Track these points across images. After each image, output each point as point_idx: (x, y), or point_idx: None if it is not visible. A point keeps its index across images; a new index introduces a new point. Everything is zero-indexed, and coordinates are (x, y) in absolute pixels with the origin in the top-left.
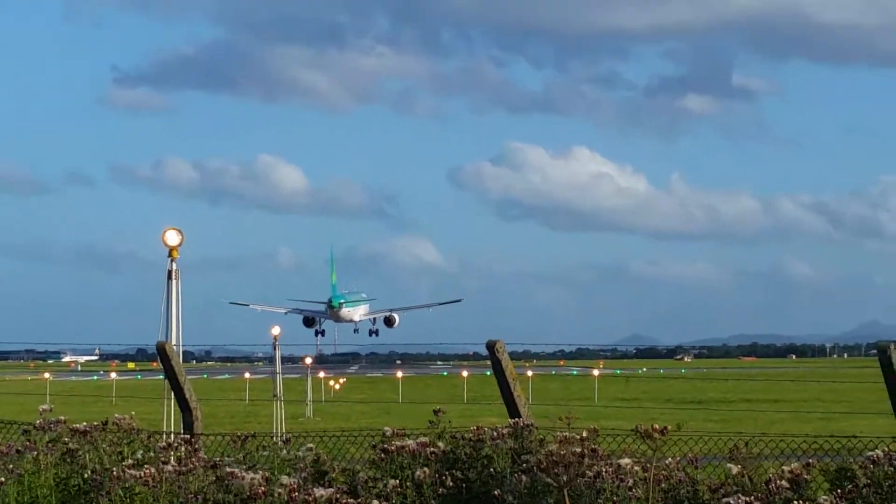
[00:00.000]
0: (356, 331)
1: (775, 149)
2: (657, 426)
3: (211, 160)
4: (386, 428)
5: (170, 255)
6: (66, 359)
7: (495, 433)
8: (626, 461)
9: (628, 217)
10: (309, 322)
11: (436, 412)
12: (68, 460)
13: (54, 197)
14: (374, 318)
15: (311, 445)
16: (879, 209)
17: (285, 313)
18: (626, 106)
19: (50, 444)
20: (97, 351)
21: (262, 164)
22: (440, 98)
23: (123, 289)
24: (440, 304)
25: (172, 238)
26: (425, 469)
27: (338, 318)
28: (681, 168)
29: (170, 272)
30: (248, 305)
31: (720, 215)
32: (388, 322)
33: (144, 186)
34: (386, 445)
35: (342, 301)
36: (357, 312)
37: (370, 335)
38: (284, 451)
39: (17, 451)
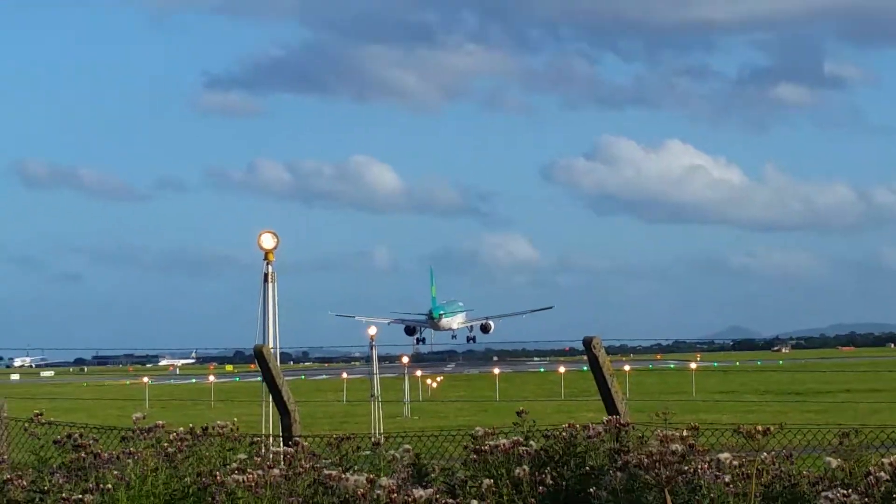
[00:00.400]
0: (454, 337)
1: (869, 137)
2: (759, 427)
3: (303, 162)
4: (477, 428)
5: (265, 258)
6: (164, 362)
7: (591, 431)
8: (725, 456)
9: (723, 209)
10: (410, 331)
11: (519, 413)
12: (170, 466)
13: (148, 203)
14: (472, 326)
15: (408, 446)
16: None
17: (388, 324)
18: (717, 98)
19: (152, 450)
20: (194, 354)
21: (355, 164)
22: (530, 94)
23: (219, 293)
24: (532, 311)
25: (268, 241)
26: (524, 468)
27: (437, 328)
28: (774, 158)
29: (266, 275)
30: (353, 317)
31: (815, 205)
32: (485, 329)
33: (238, 190)
34: (478, 446)
35: (442, 312)
36: (455, 321)
37: (468, 341)
38: (382, 452)
39: (120, 457)
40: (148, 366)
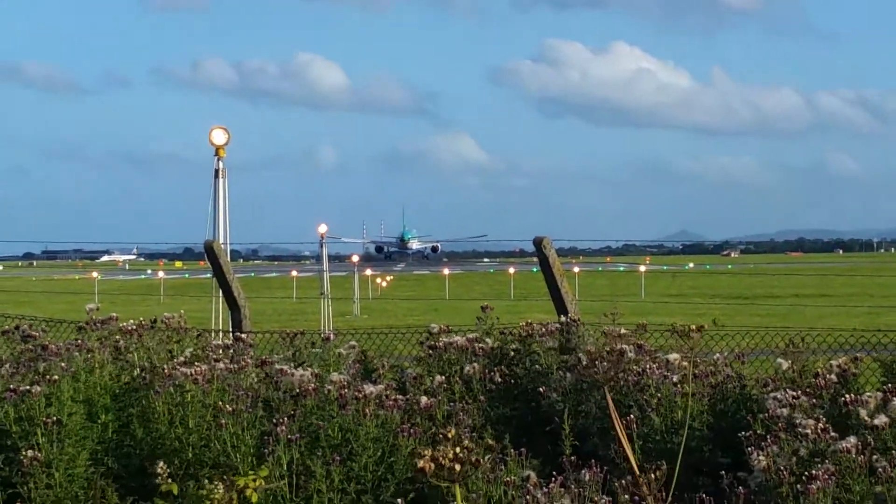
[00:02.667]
0: (410, 255)
1: (817, 42)
2: (694, 325)
3: (249, 59)
4: (432, 325)
5: (216, 154)
6: (106, 258)
7: (544, 329)
8: (674, 356)
9: (670, 113)
10: (379, 249)
11: (483, 308)
12: (118, 358)
13: (93, 98)
14: (425, 247)
15: (354, 343)
16: None
17: (364, 244)
18: (665, 1)
19: (101, 342)
20: (135, 250)
21: (301, 62)
22: None
23: (167, 189)
24: (471, 238)
25: (219, 137)
26: (474, 365)
27: (404, 248)
28: (721, 63)
29: (217, 171)
30: (340, 239)
31: (763, 111)
32: (434, 250)
33: (183, 87)
34: (433, 342)
35: (410, 237)
36: (415, 243)
37: (423, 258)
38: (332, 348)
39: (69, 349)
40: (98, 261)
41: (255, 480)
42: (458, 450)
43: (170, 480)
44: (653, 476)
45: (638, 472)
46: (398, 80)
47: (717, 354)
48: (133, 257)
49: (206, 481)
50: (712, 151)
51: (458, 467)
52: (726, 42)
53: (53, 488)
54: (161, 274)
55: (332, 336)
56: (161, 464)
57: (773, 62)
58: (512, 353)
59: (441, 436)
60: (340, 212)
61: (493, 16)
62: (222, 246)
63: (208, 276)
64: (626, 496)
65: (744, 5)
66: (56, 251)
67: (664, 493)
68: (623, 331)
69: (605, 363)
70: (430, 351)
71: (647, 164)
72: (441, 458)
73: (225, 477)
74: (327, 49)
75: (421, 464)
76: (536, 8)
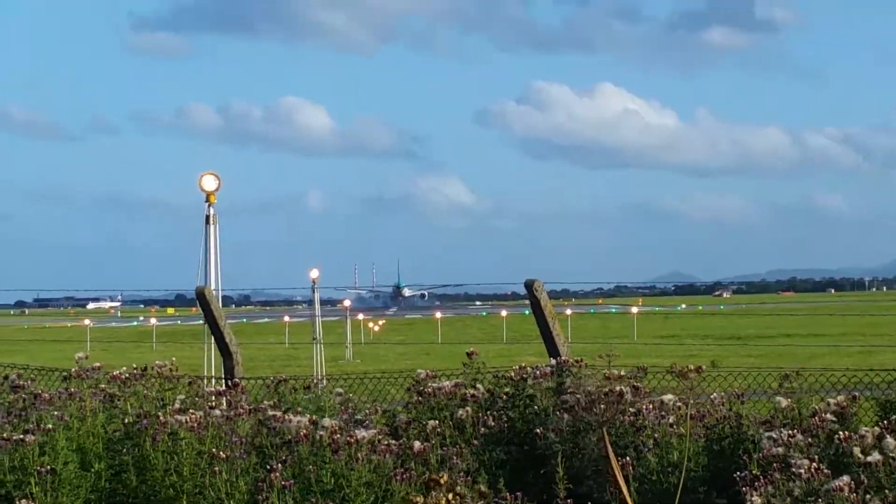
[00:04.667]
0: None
1: (801, 81)
2: (692, 366)
3: (234, 104)
4: (419, 370)
5: (207, 200)
6: (92, 305)
7: (538, 372)
8: (668, 397)
9: (657, 153)
10: (377, 297)
11: (469, 354)
12: (109, 407)
13: (79, 144)
14: (414, 295)
15: (340, 390)
16: None
17: (366, 293)
18: (648, 41)
19: (92, 391)
20: (119, 297)
21: (286, 106)
22: (462, 36)
23: (156, 235)
24: (455, 285)
25: (209, 183)
26: (467, 409)
27: (398, 296)
28: (706, 103)
29: (207, 217)
30: (345, 290)
31: (749, 149)
32: (422, 297)
33: (168, 132)
34: (421, 388)
35: (405, 285)
36: (408, 291)
37: (415, 304)
38: (325, 394)
39: (63, 397)
40: (88, 307)
41: None
42: (450, 496)
43: None
44: None
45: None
46: (384, 123)
47: (714, 394)
48: (118, 304)
49: None
50: (700, 191)
51: None
52: (710, 81)
53: None
54: (153, 321)
55: (322, 382)
56: None
57: (757, 101)
58: (504, 397)
59: (433, 482)
60: (330, 255)
61: (477, 58)
62: (214, 292)
63: (200, 322)
64: None
65: (727, 44)
66: (48, 299)
67: None
68: (622, 373)
69: (603, 405)
70: (419, 397)
71: (636, 205)
72: None
73: None
74: (312, 93)
75: None
76: (521, 50)
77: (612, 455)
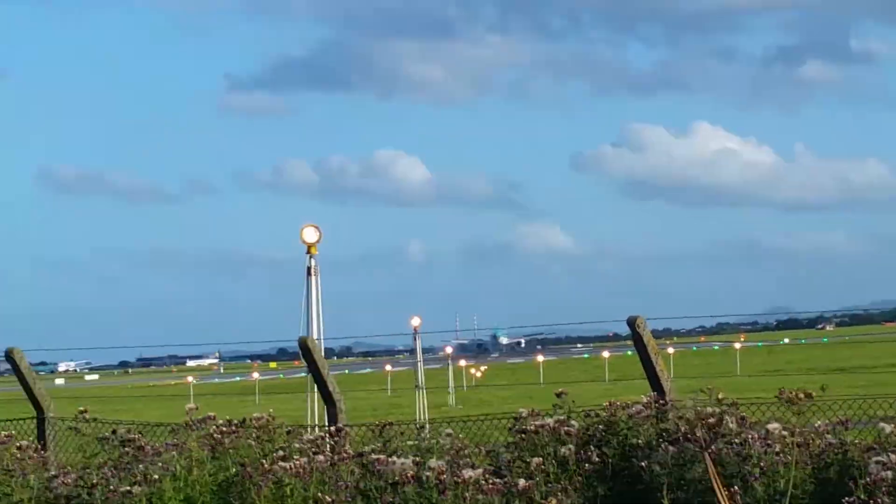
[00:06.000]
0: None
1: None
2: (802, 391)
3: (330, 159)
4: (521, 409)
5: (308, 251)
6: (193, 363)
7: (632, 409)
8: (774, 426)
9: (756, 190)
10: (479, 346)
11: (558, 394)
12: (216, 457)
13: (178, 205)
14: (511, 343)
15: (450, 431)
16: None
17: (467, 342)
18: (744, 79)
19: (201, 440)
20: (217, 354)
21: (382, 158)
22: (556, 84)
23: (257, 292)
24: (542, 336)
25: (310, 235)
26: (570, 446)
27: (497, 344)
28: (804, 138)
29: (309, 269)
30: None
31: (849, 183)
32: (518, 345)
33: (266, 190)
34: (523, 426)
35: (502, 334)
36: (505, 339)
37: (514, 350)
38: (428, 437)
39: (169, 448)
40: (189, 364)
41: None
42: None
43: None
44: None
45: None
46: (480, 172)
47: (819, 422)
48: (215, 361)
49: None
50: (801, 226)
51: None
52: (807, 116)
53: None
54: (255, 375)
55: (427, 425)
56: None
57: (855, 134)
58: (600, 434)
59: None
60: (430, 305)
61: (572, 103)
62: (316, 342)
63: (302, 374)
64: None
65: (822, 78)
66: (150, 358)
67: None
68: (722, 400)
69: (705, 429)
70: (521, 435)
71: (736, 243)
72: None
73: None
74: (406, 145)
75: None
76: (615, 94)
77: (715, 479)
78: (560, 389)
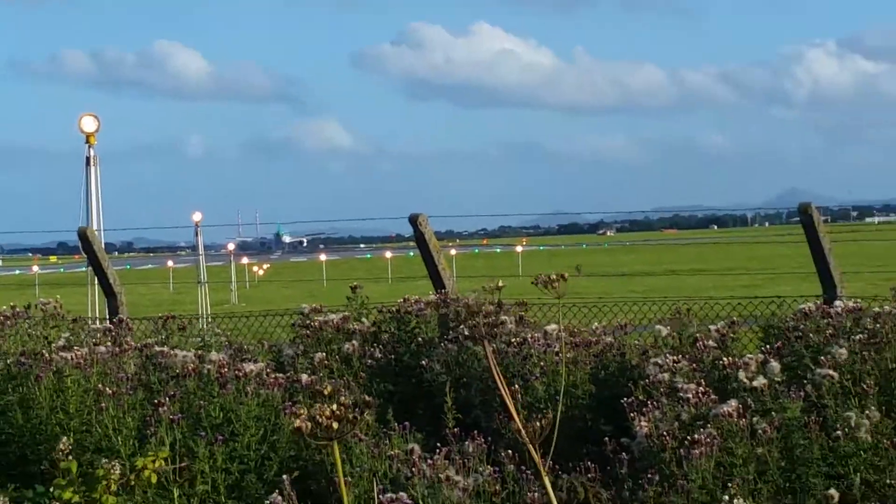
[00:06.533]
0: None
1: (676, 19)
2: (555, 274)
3: (107, 49)
4: (304, 305)
5: (87, 141)
6: None
7: (421, 304)
8: (552, 326)
9: (536, 92)
10: (262, 244)
11: (353, 288)
12: None
13: None
14: (293, 242)
15: (220, 329)
16: (784, 77)
17: (251, 240)
18: None
19: None
20: None
21: (161, 50)
22: None
23: (34, 184)
24: (325, 236)
25: (89, 124)
26: (353, 342)
27: (279, 243)
28: (583, 41)
29: (88, 159)
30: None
31: (627, 88)
32: (300, 243)
33: (42, 80)
34: (308, 321)
35: (284, 233)
36: (288, 238)
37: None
38: (211, 330)
39: None
40: None
41: (154, 461)
42: (335, 407)
43: (70, 458)
44: (537, 424)
45: (519, 423)
46: (258, 66)
47: (596, 324)
48: None
49: (104, 460)
50: (581, 130)
51: (335, 425)
52: (586, 19)
53: None
54: (35, 268)
55: (208, 319)
56: (64, 440)
57: (633, 39)
58: (391, 330)
59: (317, 393)
60: (211, 201)
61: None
62: (97, 233)
63: (83, 269)
64: (512, 465)
65: None
66: None
67: (545, 457)
68: (499, 300)
69: (484, 323)
70: (305, 331)
71: (518, 145)
72: (318, 416)
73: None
74: (184, 37)
75: (297, 423)
76: None
77: (495, 369)
78: (354, 284)
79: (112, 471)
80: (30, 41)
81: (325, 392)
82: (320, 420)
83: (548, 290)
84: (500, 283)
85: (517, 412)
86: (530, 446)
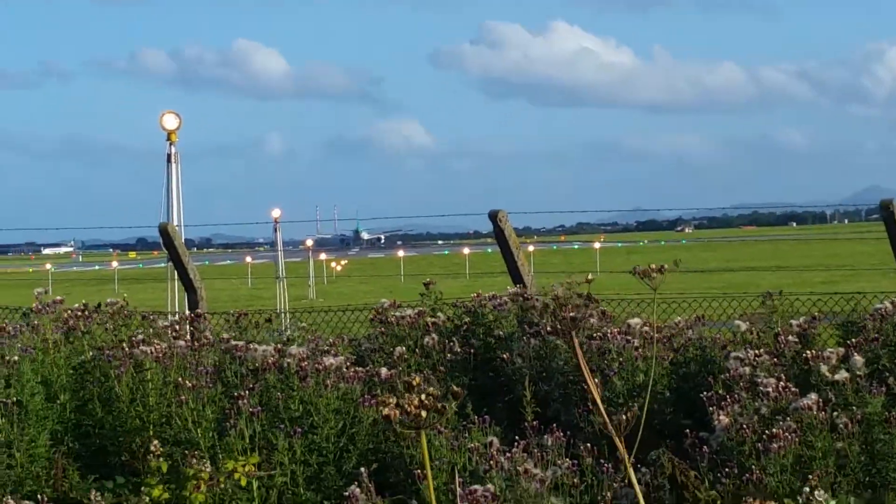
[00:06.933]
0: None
1: (754, 17)
2: (654, 265)
3: (187, 48)
4: (383, 300)
5: (168, 138)
6: (50, 251)
7: (498, 300)
8: (635, 321)
9: (614, 91)
10: (342, 240)
11: (426, 284)
12: (72, 340)
13: (32, 91)
14: (371, 238)
15: (304, 324)
16: (863, 75)
17: (330, 237)
18: None
19: (55, 325)
20: (71, 243)
21: (240, 49)
22: None
23: (115, 179)
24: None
25: (170, 122)
26: (433, 336)
27: (358, 239)
28: (662, 41)
29: (169, 156)
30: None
31: (706, 86)
32: (378, 239)
33: (122, 78)
34: (385, 317)
35: (364, 229)
36: (366, 234)
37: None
38: (288, 327)
39: (25, 330)
40: (46, 252)
41: (244, 465)
42: (423, 397)
43: (161, 459)
44: (623, 418)
45: (606, 415)
46: (338, 65)
47: (678, 318)
48: (70, 250)
49: (194, 461)
50: (660, 128)
51: (423, 414)
52: (663, 19)
53: (15, 468)
54: (114, 264)
55: (268, 318)
56: (155, 441)
57: (710, 37)
58: (467, 325)
59: (407, 384)
60: (291, 197)
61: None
62: (177, 229)
63: (162, 265)
64: (590, 459)
65: None
66: (7, 244)
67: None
68: (585, 292)
69: (568, 318)
70: (383, 327)
71: (596, 143)
72: (407, 405)
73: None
74: (265, 36)
75: (386, 411)
76: None
77: (583, 362)
78: (428, 280)
79: (202, 471)
80: (111, 40)
81: (414, 382)
82: (409, 409)
83: (644, 281)
84: (590, 276)
85: (595, 405)
86: (616, 439)
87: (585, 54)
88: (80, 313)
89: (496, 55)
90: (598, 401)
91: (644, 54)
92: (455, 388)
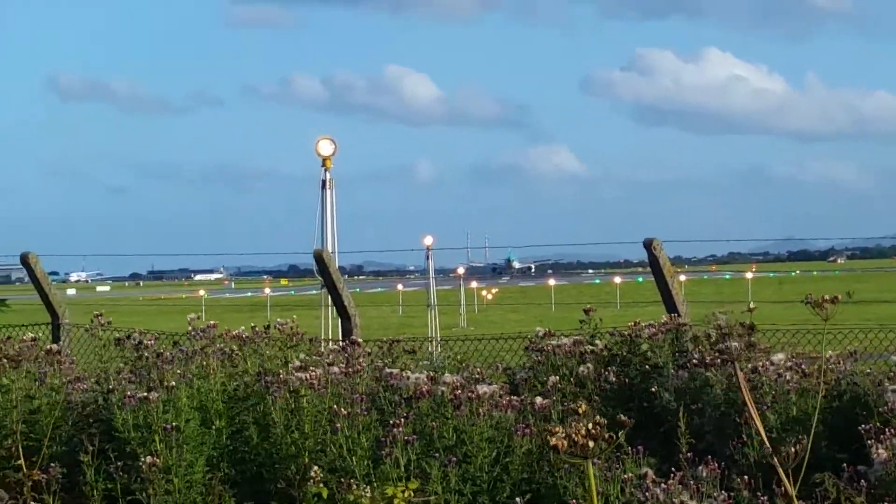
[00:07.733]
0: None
1: None
2: (827, 296)
3: (338, 74)
4: (538, 328)
5: (323, 164)
6: (201, 277)
7: (654, 329)
8: (779, 356)
9: (767, 119)
10: (493, 269)
11: (586, 311)
12: (228, 365)
13: (184, 117)
14: (523, 267)
15: (455, 352)
16: None
17: (482, 265)
18: (755, 5)
19: (212, 350)
20: (221, 269)
21: (391, 75)
22: (565, 4)
23: (267, 206)
24: (553, 262)
25: (325, 148)
26: (588, 366)
27: (510, 268)
28: (815, 68)
29: (324, 182)
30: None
31: (860, 114)
32: (529, 269)
33: (274, 104)
34: (540, 345)
35: (515, 258)
36: (517, 263)
37: (524, 273)
38: (440, 356)
39: (182, 356)
40: (198, 278)
41: (403, 492)
42: (591, 426)
43: (322, 485)
44: (792, 450)
45: (769, 446)
46: (488, 92)
47: (830, 353)
48: (221, 276)
49: (354, 487)
50: (812, 157)
51: (591, 443)
52: (818, 46)
53: (172, 494)
54: (267, 290)
55: (437, 345)
56: (315, 468)
57: (866, 65)
58: (622, 355)
59: (571, 411)
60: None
61: (579, 24)
62: (332, 255)
63: (314, 292)
64: (746, 491)
65: (833, 7)
66: (161, 271)
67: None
68: (741, 326)
69: (735, 341)
70: (537, 355)
71: (748, 172)
72: (574, 435)
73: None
74: (414, 62)
75: (554, 441)
76: (624, 16)
77: (747, 393)
78: (588, 306)
79: (362, 496)
80: (261, 66)
81: (580, 410)
82: (576, 438)
83: (816, 311)
84: (752, 305)
85: (750, 439)
86: (781, 472)
87: (737, 81)
88: (244, 337)
89: (647, 82)
90: (763, 433)
91: (796, 82)
92: (623, 417)
